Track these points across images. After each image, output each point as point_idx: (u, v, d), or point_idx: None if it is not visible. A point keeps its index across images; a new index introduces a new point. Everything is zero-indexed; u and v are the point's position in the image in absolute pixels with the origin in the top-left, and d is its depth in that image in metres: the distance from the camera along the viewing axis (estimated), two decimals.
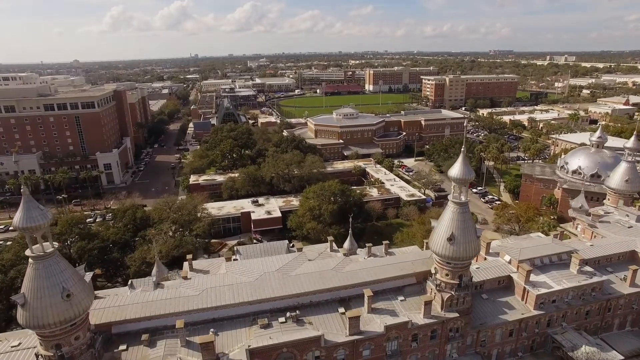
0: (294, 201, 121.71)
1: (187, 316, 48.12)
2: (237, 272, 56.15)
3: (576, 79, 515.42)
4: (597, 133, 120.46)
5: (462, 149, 47.44)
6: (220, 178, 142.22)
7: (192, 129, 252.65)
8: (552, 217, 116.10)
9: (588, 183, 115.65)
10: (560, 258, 63.01)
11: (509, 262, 62.98)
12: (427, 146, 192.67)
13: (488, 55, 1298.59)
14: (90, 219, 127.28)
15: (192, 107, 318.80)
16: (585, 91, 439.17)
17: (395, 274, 55.87)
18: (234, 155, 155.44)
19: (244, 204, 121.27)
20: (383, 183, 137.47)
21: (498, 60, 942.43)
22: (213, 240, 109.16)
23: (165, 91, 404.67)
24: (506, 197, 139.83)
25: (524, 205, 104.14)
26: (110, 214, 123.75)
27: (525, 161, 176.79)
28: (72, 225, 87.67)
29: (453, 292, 51.42)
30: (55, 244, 38.50)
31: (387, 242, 66.74)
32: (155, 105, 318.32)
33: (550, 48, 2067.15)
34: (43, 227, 36.76)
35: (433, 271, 53.45)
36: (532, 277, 58.84)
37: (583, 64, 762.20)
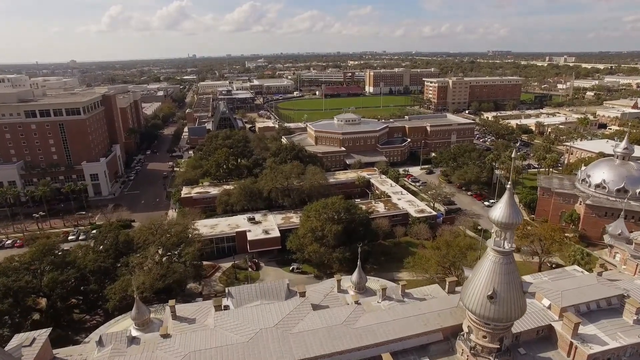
0: (294, 218, 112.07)
1: None
2: (228, 328, 46.52)
3: (579, 81, 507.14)
4: (623, 144, 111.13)
5: (508, 186, 37.78)
6: (214, 190, 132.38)
7: (187, 134, 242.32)
8: (572, 234, 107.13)
9: (614, 199, 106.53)
10: (609, 302, 53.56)
11: (549, 308, 53.48)
12: (434, 154, 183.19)
13: (487, 56, 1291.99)
14: (73, 236, 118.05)
15: (187, 110, 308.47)
16: (589, 93, 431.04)
17: (419, 330, 46.30)
18: (230, 166, 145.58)
19: (240, 221, 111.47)
20: (389, 196, 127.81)
21: (498, 61, 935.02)
22: (205, 263, 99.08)
23: (161, 93, 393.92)
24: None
25: (549, 226, 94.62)
26: (95, 231, 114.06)
27: (538, 169, 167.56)
28: (44, 253, 77.76)
29: (492, 358, 41.87)
30: None
31: (404, 282, 57.01)
32: (149, 109, 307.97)
33: (549, 48, 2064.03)
34: None
35: (466, 329, 43.92)
36: (579, 328, 49.38)
37: (583, 65, 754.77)
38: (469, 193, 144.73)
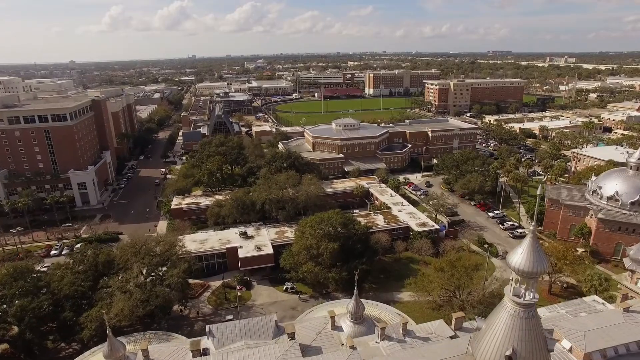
0: (289, 232, 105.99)
1: None
2: None
3: (581, 82, 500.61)
4: (637, 153, 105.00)
5: (531, 226, 31.66)
6: (205, 201, 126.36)
7: (182, 138, 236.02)
8: (583, 249, 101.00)
9: (628, 212, 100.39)
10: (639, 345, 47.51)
11: (570, 350, 47.46)
12: (435, 160, 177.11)
13: (487, 56, 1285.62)
14: (56, 251, 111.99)
15: (182, 113, 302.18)
16: (592, 95, 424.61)
17: None
18: (223, 175, 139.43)
19: (231, 236, 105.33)
20: (389, 208, 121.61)
21: (498, 62, 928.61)
22: (193, 281, 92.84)
23: (157, 95, 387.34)
24: (527, 224, 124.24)
25: (560, 243, 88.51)
26: (79, 245, 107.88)
27: (543, 176, 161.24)
28: (15, 278, 71.70)
29: None
30: None
31: (405, 321, 50.86)
32: (144, 112, 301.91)
33: (549, 49, 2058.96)
34: None
35: None
36: None
37: (585, 66, 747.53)
38: (473, 203, 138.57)
